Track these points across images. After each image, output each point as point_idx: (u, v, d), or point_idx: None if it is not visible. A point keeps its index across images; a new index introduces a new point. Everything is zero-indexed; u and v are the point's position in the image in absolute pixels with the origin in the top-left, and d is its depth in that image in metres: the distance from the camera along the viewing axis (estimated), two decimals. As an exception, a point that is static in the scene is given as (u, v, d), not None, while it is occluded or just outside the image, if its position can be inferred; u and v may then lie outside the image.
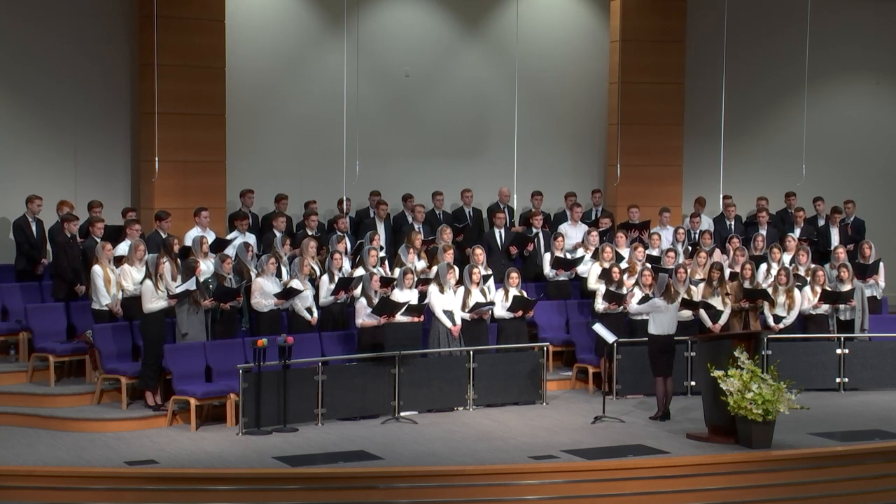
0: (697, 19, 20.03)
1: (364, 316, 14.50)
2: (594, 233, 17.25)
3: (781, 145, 20.67)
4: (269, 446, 12.85)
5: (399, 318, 14.55)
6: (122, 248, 15.00)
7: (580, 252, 17.11)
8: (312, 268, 15.24)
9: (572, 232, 17.70)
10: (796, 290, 16.04)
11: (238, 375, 13.31)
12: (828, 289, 16.24)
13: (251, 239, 16.33)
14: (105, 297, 14.38)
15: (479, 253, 15.94)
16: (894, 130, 21.76)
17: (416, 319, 14.72)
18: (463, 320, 15.08)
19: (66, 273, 14.92)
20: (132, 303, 14.32)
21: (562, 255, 16.92)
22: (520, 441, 13.18)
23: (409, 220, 17.74)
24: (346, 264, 15.57)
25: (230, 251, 15.39)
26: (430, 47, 19.42)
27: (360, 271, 15.21)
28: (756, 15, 20.67)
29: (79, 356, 14.65)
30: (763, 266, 16.61)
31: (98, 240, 15.02)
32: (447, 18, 19.52)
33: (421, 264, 16.17)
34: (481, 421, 14.24)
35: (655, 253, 16.93)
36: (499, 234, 17.46)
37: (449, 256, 15.56)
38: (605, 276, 15.91)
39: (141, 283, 14.14)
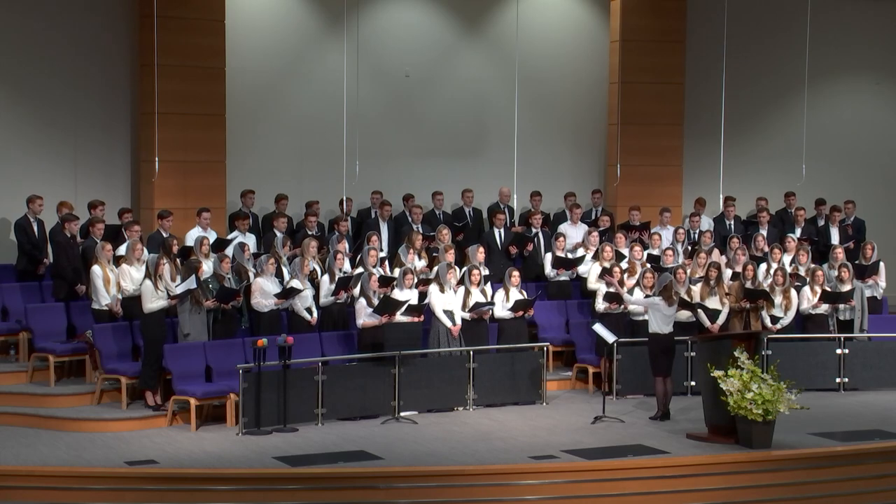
0: (697, 19, 20.03)
1: (365, 316, 14.50)
2: (594, 233, 17.25)
3: (781, 145, 20.67)
4: (269, 446, 12.85)
5: (399, 318, 14.55)
6: (123, 248, 15.00)
7: (580, 252, 17.12)
8: (313, 268, 15.25)
9: (572, 232, 17.70)
10: (793, 291, 16.04)
11: (238, 375, 13.32)
12: (827, 289, 16.24)
13: (251, 239, 16.34)
14: (105, 298, 14.38)
15: (480, 252, 15.94)
16: (894, 130, 21.76)
17: (416, 319, 14.73)
18: (463, 320, 15.08)
19: (66, 273, 14.92)
20: (132, 303, 14.32)
21: (562, 255, 16.92)
22: (520, 441, 13.17)
23: (410, 220, 17.75)
24: (347, 264, 15.57)
25: (230, 251, 15.40)
26: (430, 47, 19.42)
27: (359, 271, 15.20)
28: (756, 15, 20.67)
29: (79, 356, 14.65)
30: (763, 266, 16.61)
31: (98, 240, 15.02)
32: (447, 18, 19.52)
33: (421, 264, 16.18)
34: (481, 421, 14.24)
35: (656, 253, 16.94)
36: (498, 234, 17.46)
37: (450, 256, 15.56)
38: (605, 275, 15.90)
39: (141, 283, 14.14)
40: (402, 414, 14.24)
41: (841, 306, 16.27)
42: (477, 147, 19.69)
